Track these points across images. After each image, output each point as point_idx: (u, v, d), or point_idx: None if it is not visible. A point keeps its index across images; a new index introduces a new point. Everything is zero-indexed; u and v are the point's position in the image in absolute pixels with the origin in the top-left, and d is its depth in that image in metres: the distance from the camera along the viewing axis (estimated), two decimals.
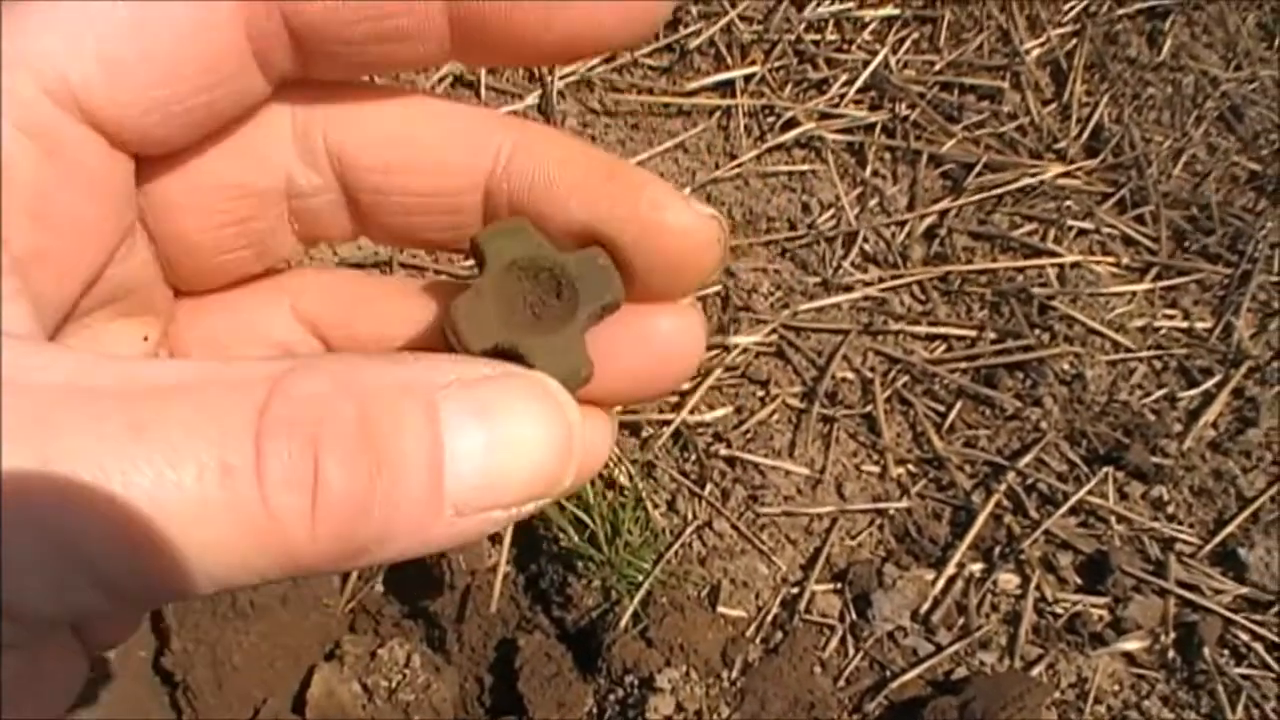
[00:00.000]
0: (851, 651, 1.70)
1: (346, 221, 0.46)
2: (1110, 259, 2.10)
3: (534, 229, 0.43)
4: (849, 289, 2.01)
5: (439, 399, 0.36)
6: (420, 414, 0.36)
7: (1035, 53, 2.35)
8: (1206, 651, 1.69)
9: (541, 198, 0.43)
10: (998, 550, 1.78)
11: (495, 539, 1.76)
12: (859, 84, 2.24)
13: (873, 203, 2.13)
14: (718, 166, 2.13)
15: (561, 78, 2.13)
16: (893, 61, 2.28)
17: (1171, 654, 1.71)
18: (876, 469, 1.85)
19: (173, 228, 0.44)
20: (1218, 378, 1.97)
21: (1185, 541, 1.80)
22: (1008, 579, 1.77)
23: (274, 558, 0.34)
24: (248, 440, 0.33)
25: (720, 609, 1.71)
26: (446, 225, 0.45)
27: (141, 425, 0.33)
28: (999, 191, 2.16)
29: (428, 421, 0.36)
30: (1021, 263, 2.08)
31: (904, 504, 1.82)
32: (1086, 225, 2.13)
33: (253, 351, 0.47)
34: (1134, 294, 2.06)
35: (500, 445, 0.37)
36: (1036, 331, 1.99)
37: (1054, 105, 2.30)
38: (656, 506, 1.79)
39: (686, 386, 1.87)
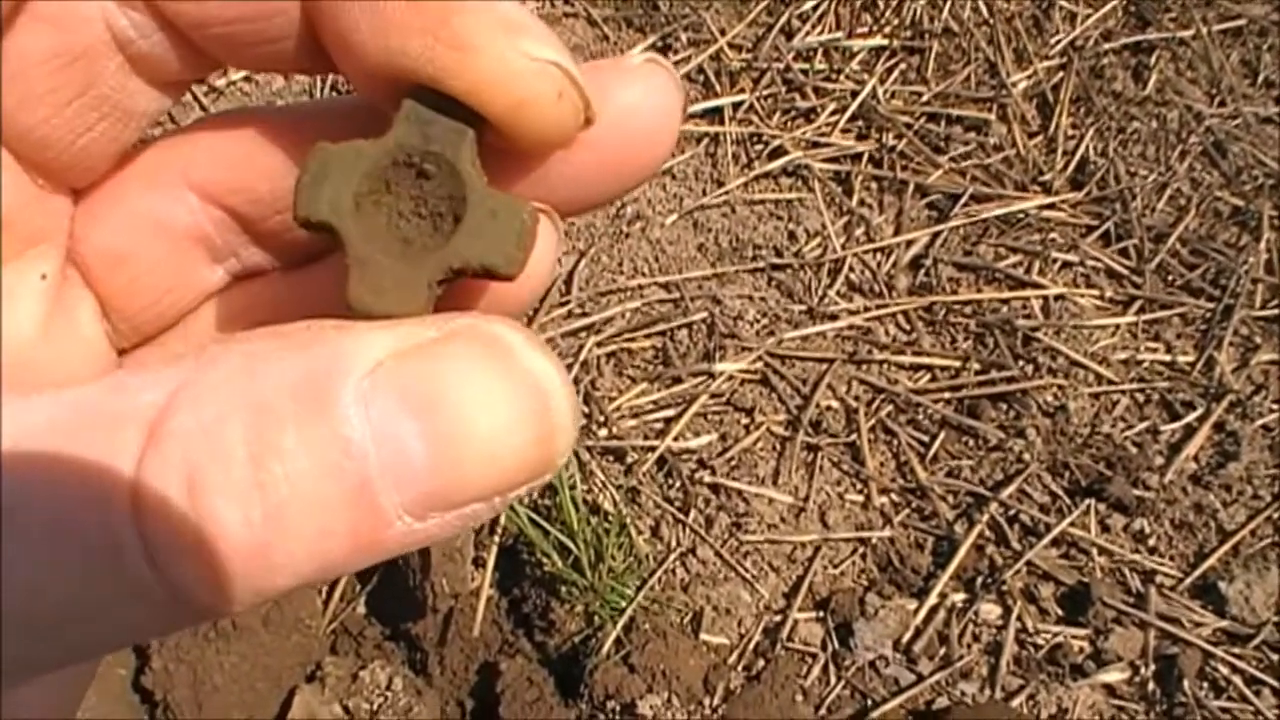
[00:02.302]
0: (833, 680, 1.70)
1: (191, 55, 0.39)
2: (1094, 291, 2.11)
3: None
4: (834, 318, 2.02)
5: (360, 390, 0.30)
6: (324, 420, 0.30)
7: (1022, 85, 2.36)
8: (1186, 684, 1.69)
9: (348, 27, 0.35)
10: (980, 580, 1.79)
11: (479, 563, 1.76)
12: (847, 114, 2.25)
13: (859, 232, 2.14)
14: (705, 193, 2.13)
15: None
16: (880, 92, 2.29)
17: (1151, 686, 1.71)
18: (860, 498, 1.86)
19: (21, 127, 0.38)
20: (1199, 411, 1.98)
21: (1166, 574, 1.81)
22: (989, 609, 1.77)
23: (193, 619, 0.31)
24: (126, 508, 0.29)
25: (703, 636, 1.71)
26: (283, 53, 0.37)
27: (10, 508, 0.29)
28: (984, 222, 2.17)
29: (334, 428, 0.30)
30: (1006, 294, 2.09)
31: (887, 533, 1.83)
32: (1071, 258, 2.14)
33: (159, 254, 0.41)
34: (1117, 327, 2.07)
35: (448, 439, 0.30)
36: (1020, 363, 1.99)
37: (1040, 138, 2.32)
38: (640, 533, 1.79)
39: (671, 413, 1.88)
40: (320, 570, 0.30)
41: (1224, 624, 1.76)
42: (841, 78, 2.31)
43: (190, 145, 0.41)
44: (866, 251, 2.12)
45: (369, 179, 0.34)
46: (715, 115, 2.24)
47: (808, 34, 2.34)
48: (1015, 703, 1.68)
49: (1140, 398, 2.00)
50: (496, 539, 1.76)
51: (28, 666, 0.31)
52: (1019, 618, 1.75)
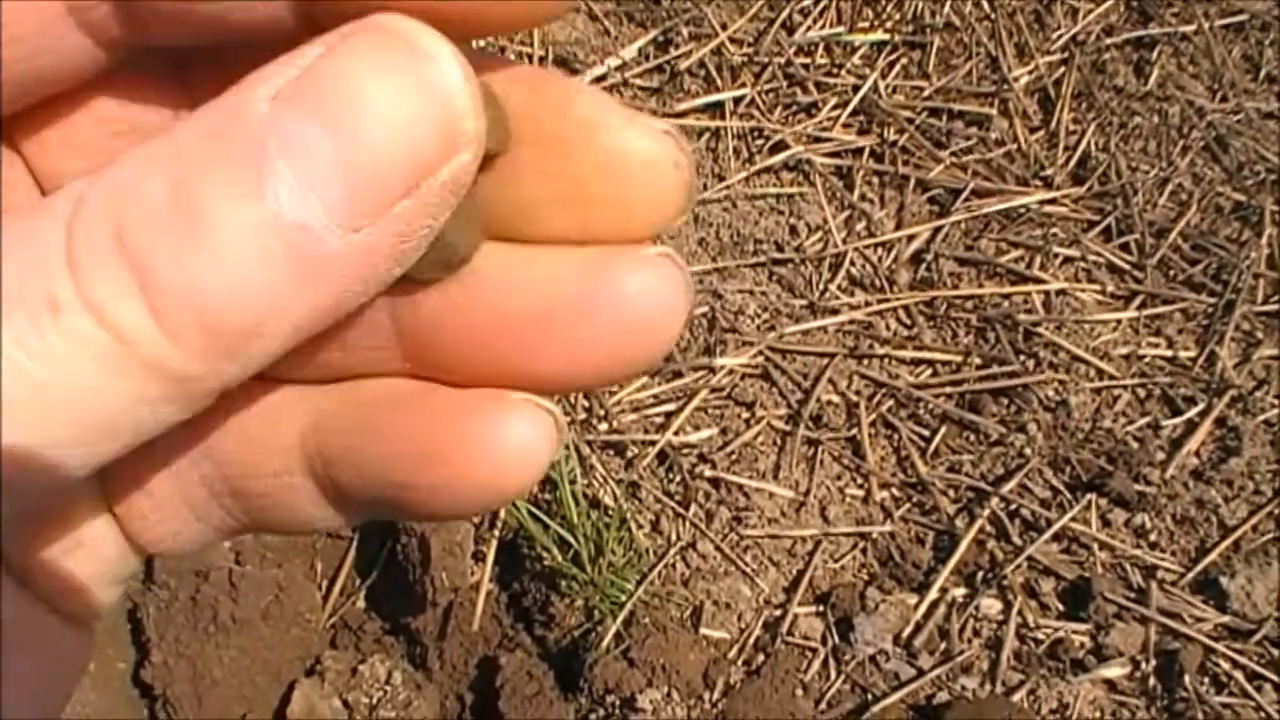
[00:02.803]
0: (833, 675, 1.70)
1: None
2: (1095, 286, 2.11)
3: None
4: (835, 312, 2.01)
5: (268, 115, 0.30)
6: (240, 147, 0.30)
7: (1024, 80, 2.36)
8: (1187, 679, 1.69)
9: None
10: (980, 575, 1.78)
11: (479, 557, 1.76)
12: (848, 108, 2.25)
13: (860, 226, 2.14)
14: (706, 188, 2.13)
15: None
16: (882, 86, 2.29)
17: (1152, 681, 1.71)
18: (860, 492, 1.85)
19: None
20: (1201, 406, 1.97)
21: (1167, 569, 1.81)
22: (990, 604, 1.77)
23: (145, 379, 0.30)
24: (61, 261, 0.30)
25: (703, 630, 1.71)
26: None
27: None
28: (986, 217, 2.17)
29: (250, 152, 0.30)
30: (1007, 289, 2.08)
31: (887, 528, 1.82)
32: (1072, 252, 2.14)
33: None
34: (1119, 322, 2.07)
35: (349, 130, 0.30)
36: (1021, 358, 1.99)
37: (1041, 133, 2.31)
38: (640, 527, 1.79)
39: (671, 407, 1.88)
40: (268, 307, 0.30)
41: (1225, 619, 1.76)
42: (843, 72, 2.31)
43: None
44: (868, 246, 2.11)
45: None
46: (716, 110, 2.23)
47: (809, 29, 2.34)
48: (1016, 698, 1.68)
49: (1141, 393, 2.00)
50: (496, 533, 1.76)
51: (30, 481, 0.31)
52: (1020, 613, 1.75)
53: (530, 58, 2.19)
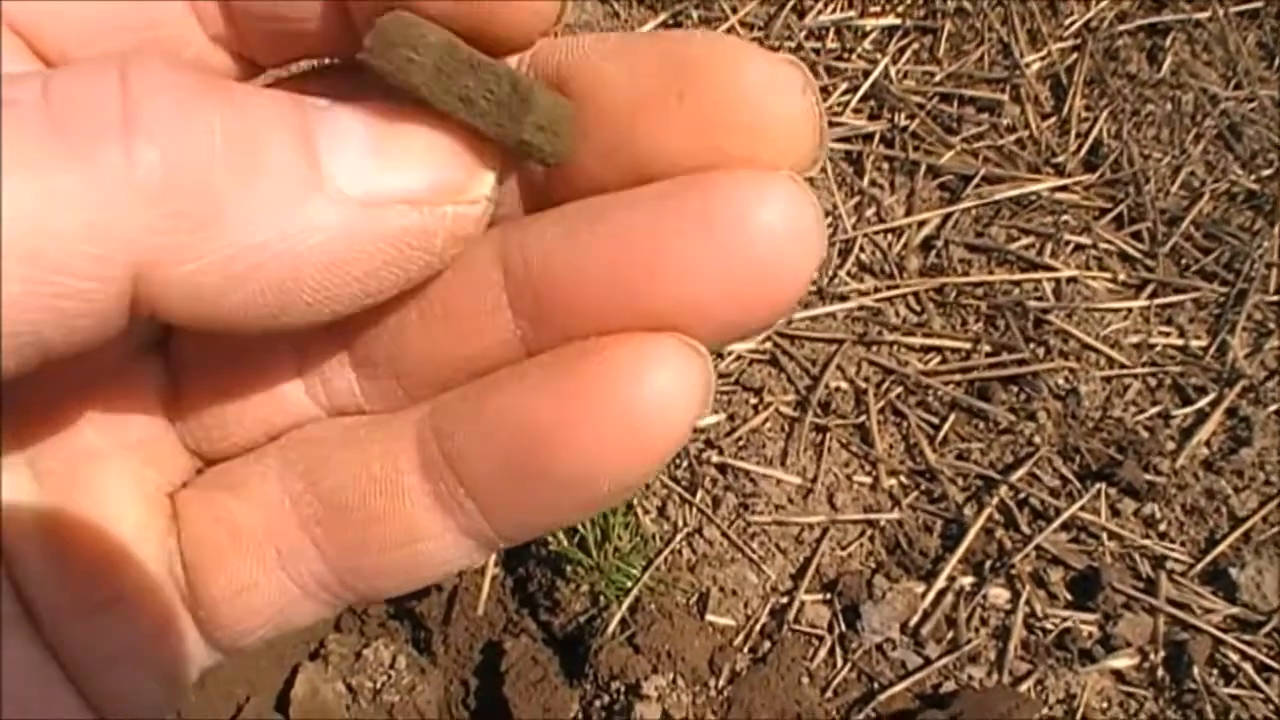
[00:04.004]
0: (840, 663, 1.69)
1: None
2: (1106, 275, 2.10)
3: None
4: (844, 298, 2.00)
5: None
6: (279, 97, 0.31)
7: (1035, 66, 2.34)
8: (1196, 670, 1.68)
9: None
10: (988, 564, 1.77)
11: None
12: (859, 93, 2.23)
13: (870, 212, 2.12)
14: None
15: None
16: (893, 71, 2.27)
17: (1161, 672, 1.70)
18: (868, 480, 1.84)
19: None
20: (1212, 396, 1.96)
21: (1176, 560, 1.80)
22: (998, 593, 1.76)
23: (101, 206, 0.28)
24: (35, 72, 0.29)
25: (709, 617, 1.70)
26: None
27: None
28: (996, 204, 2.15)
29: (289, 97, 0.31)
30: (1018, 276, 2.07)
31: (895, 515, 1.82)
32: (1083, 240, 2.13)
33: None
34: (1130, 310, 2.06)
35: (387, 129, 0.31)
36: (1031, 346, 1.98)
37: (1053, 119, 2.30)
38: (647, 512, 1.78)
39: None
40: (233, 198, 0.29)
41: (1234, 610, 1.75)
42: (853, 57, 2.29)
43: None
44: (877, 232, 2.10)
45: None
46: None
47: (820, 12, 2.32)
48: (1023, 687, 1.67)
49: (1152, 382, 1.99)
50: None
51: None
52: (1028, 602, 1.74)
53: None
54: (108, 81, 0.29)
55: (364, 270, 0.31)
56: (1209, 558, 1.80)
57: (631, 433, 0.31)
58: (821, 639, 1.71)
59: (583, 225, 0.33)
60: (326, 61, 0.36)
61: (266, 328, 0.31)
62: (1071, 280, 2.07)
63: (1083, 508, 1.81)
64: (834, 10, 2.33)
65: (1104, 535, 1.81)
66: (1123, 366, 1.98)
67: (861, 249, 2.07)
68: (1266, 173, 2.25)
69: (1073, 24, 2.41)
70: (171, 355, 0.39)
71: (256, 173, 0.29)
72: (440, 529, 0.35)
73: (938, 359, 1.98)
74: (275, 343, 0.37)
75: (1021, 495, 1.83)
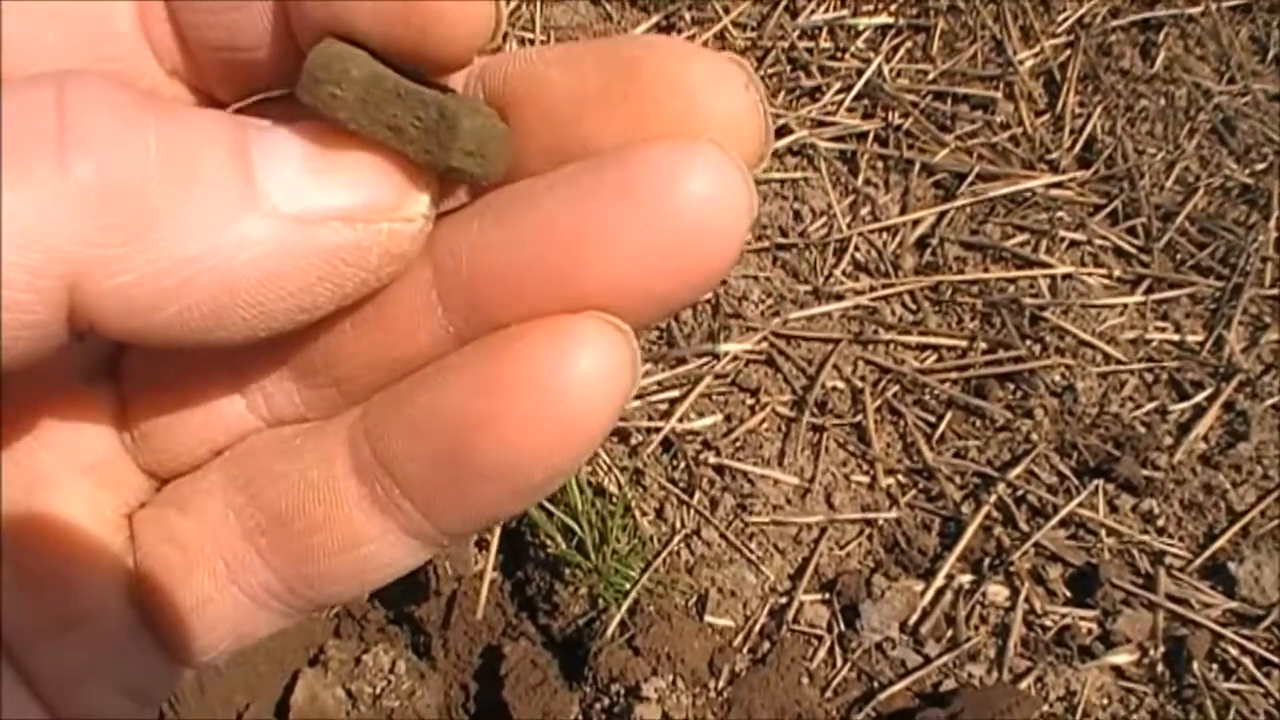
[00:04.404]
0: (839, 662, 1.69)
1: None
2: (1102, 270, 2.10)
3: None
4: (840, 297, 2.00)
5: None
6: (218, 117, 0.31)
7: (1029, 63, 2.34)
8: (1195, 666, 1.68)
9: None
10: (987, 562, 1.77)
11: (482, 545, 1.75)
12: (853, 92, 2.23)
13: (865, 211, 2.12)
14: None
15: None
16: (886, 70, 2.27)
17: (1160, 668, 1.70)
18: (866, 479, 1.84)
19: None
20: (1209, 391, 1.96)
21: (1175, 555, 1.80)
22: (997, 591, 1.76)
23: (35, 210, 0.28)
24: None
25: (708, 618, 1.70)
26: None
27: None
28: (991, 201, 2.15)
29: (227, 116, 0.31)
30: (1013, 273, 2.07)
31: (893, 514, 1.82)
32: (1079, 236, 2.13)
33: None
34: (1125, 306, 2.06)
35: (324, 150, 0.31)
36: (1028, 342, 1.98)
37: (1047, 116, 2.30)
38: (645, 514, 1.78)
39: (675, 394, 1.86)
40: (166, 211, 0.30)
41: (1233, 605, 1.75)
42: (847, 56, 2.29)
43: None
44: (872, 231, 2.10)
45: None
46: None
47: (812, 12, 2.32)
48: (1023, 685, 1.67)
49: (1149, 377, 1.99)
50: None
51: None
52: (1027, 599, 1.74)
53: (532, 43, 2.17)
54: (44, 95, 0.29)
55: (298, 286, 0.31)
56: (1208, 553, 1.80)
57: (557, 418, 0.31)
58: (821, 639, 1.71)
59: (508, 214, 0.33)
60: (282, 92, 0.36)
61: (203, 342, 0.31)
62: (1067, 277, 2.08)
63: (1081, 504, 1.81)
64: (827, 9, 2.33)
65: (1102, 531, 1.81)
66: (1119, 362, 1.98)
67: (857, 248, 2.07)
68: (1260, 167, 2.25)
69: (1065, 20, 2.41)
70: (122, 376, 0.39)
71: (191, 187, 0.29)
72: (380, 530, 0.35)
73: (934, 357, 1.98)
74: (216, 359, 0.37)
75: (1019, 492, 1.83)
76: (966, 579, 1.77)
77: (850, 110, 2.24)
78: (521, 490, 0.33)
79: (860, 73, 2.25)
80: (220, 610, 0.36)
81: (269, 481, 0.36)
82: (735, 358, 1.91)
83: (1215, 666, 1.71)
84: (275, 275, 0.31)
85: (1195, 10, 2.44)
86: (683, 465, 1.81)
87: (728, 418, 1.87)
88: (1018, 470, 1.84)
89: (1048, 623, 1.74)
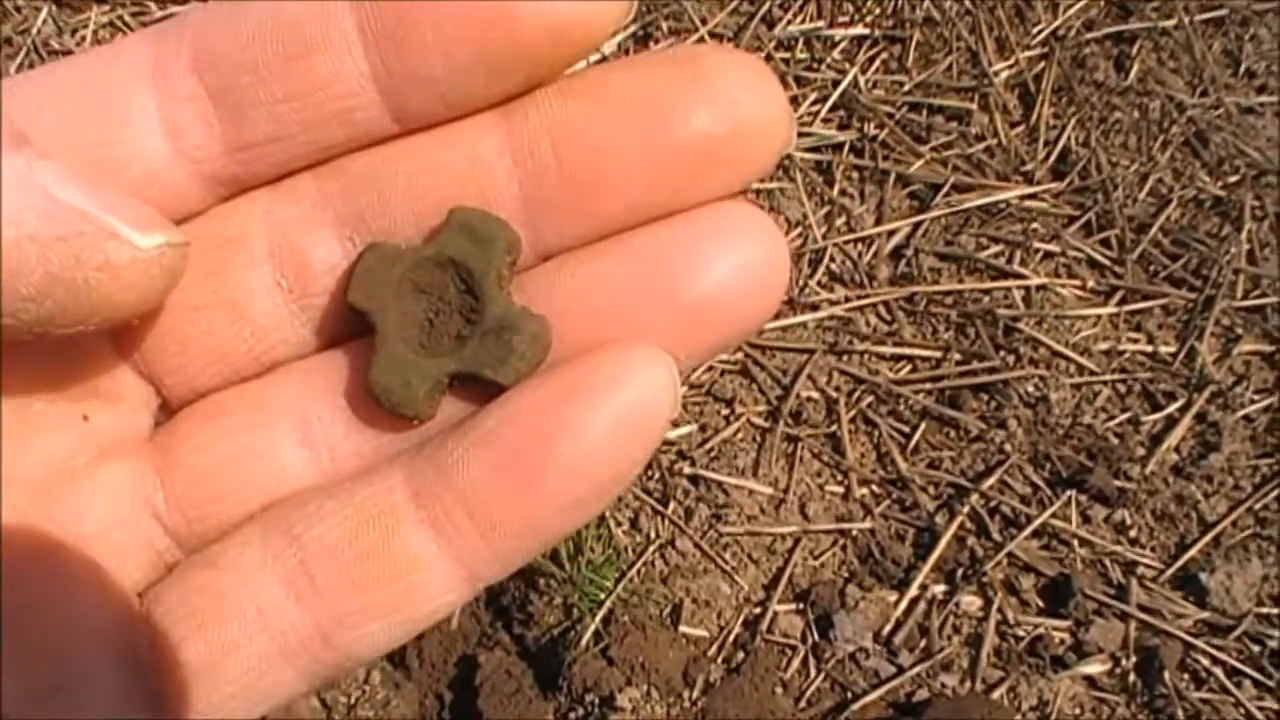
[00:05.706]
0: (813, 672, 1.70)
1: None
2: (1076, 282, 2.11)
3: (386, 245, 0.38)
4: (815, 308, 2.01)
5: None
6: None
7: (1004, 75, 2.35)
8: (1167, 675, 1.69)
9: None
10: (960, 572, 1.78)
11: None
12: (828, 103, 2.24)
13: (840, 222, 2.13)
14: None
15: None
16: (862, 81, 2.28)
17: (1132, 677, 1.71)
18: (840, 489, 1.85)
19: None
20: (1181, 402, 1.97)
21: (1147, 565, 1.81)
22: (970, 601, 1.76)
23: None
24: None
25: (682, 628, 1.70)
26: None
27: None
28: (966, 212, 2.16)
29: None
30: (988, 284, 2.08)
31: (867, 525, 1.82)
32: (1053, 248, 2.13)
33: None
34: (1099, 317, 2.07)
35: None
36: (1001, 353, 1.99)
37: (1022, 128, 2.31)
38: (619, 524, 1.78)
39: None
40: None
41: (1205, 615, 1.76)
42: (823, 67, 2.30)
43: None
44: (848, 241, 2.11)
45: (407, 277, 0.37)
46: None
47: (789, 23, 2.33)
48: (996, 694, 1.68)
49: (1122, 388, 2.00)
50: None
51: None
52: (1000, 609, 1.75)
53: None
54: None
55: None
56: (1179, 563, 1.81)
57: (624, 429, 0.33)
58: (795, 649, 1.72)
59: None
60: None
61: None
62: (1041, 288, 2.08)
63: (1053, 515, 1.82)
64: (803, 20, 2.34)
65: (1075, 542, 1.82)
66: (1092, 373, 1.99)
67: (832, 259, 2.08)
68: (1233, 179, 2.26)
69: (1040, 33, 2.42)
70: (155, 442, 0.40)
71: None
72: (433, 557, 0.35)
73: (908, 368, 1.99)
74: (272, 415, 0.39)
75: (993, 503, 1.84)
76: (940, 589, 1.77)
77: (826, 121, 2.25)
78: (583, 498, 0.34)
79: (836, 84, 2.26)
80: (244, 660, 0.36)
81: (317, 519, 0.36)
82: (710, 368, 1.92)
83: (1187, 676, 1.72)
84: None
85: (1169, 23, 2.45)
86: (658, 475, 1.81)
87: (703, 428, 1.87)
88: (991, 481, 1.85)
89: (1020, 633, 1.74)
